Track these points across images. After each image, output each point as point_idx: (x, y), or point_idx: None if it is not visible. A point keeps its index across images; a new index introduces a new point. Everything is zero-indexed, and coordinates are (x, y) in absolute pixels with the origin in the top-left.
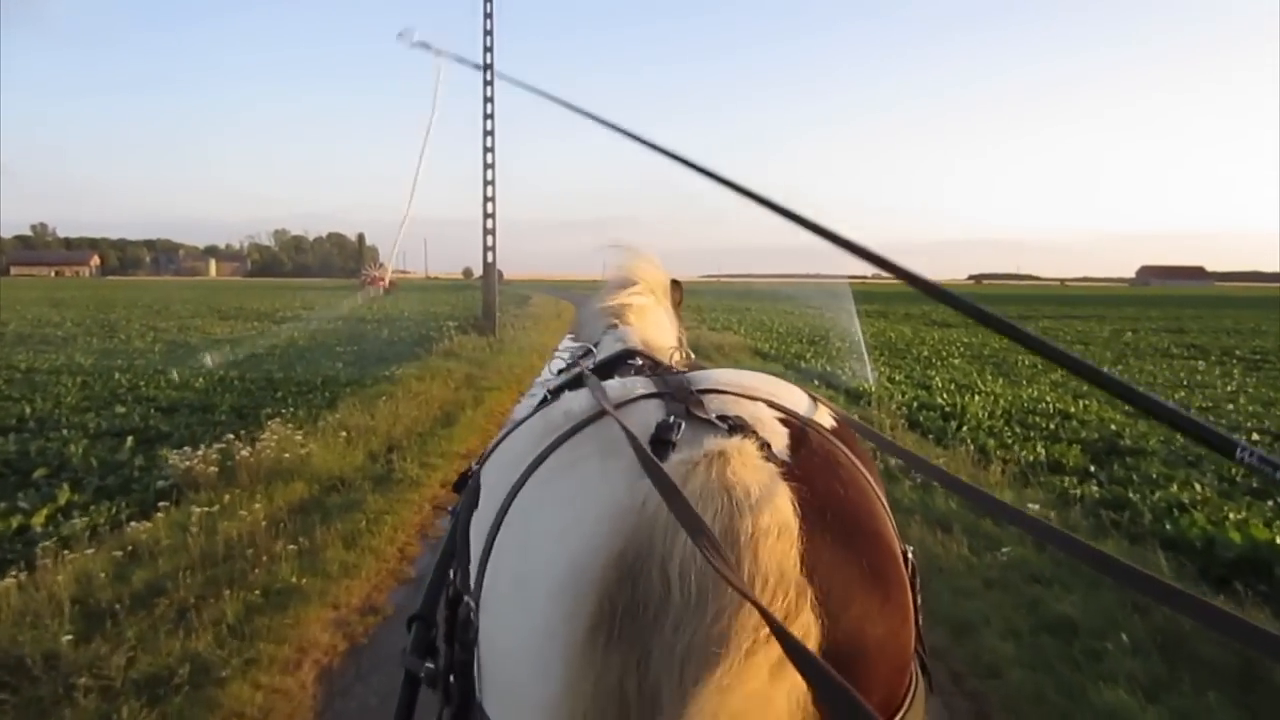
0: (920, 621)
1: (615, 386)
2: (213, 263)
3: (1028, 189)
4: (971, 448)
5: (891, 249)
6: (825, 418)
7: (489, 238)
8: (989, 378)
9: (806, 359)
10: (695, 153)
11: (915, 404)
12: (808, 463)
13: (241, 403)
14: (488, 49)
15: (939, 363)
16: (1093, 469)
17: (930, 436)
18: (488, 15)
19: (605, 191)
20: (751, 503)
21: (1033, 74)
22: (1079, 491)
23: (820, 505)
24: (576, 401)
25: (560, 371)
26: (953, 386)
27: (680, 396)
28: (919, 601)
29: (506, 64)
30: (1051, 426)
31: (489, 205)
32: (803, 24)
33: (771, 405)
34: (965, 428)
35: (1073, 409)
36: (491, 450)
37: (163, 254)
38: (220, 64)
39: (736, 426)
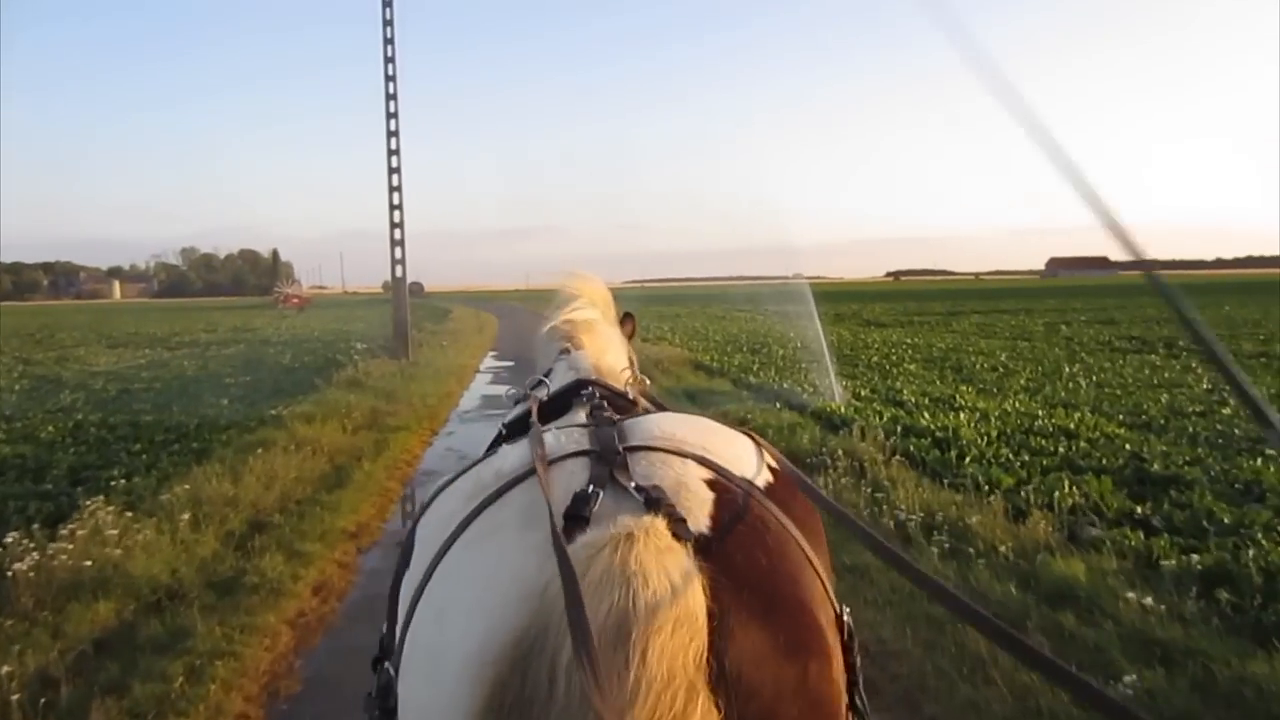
0: (860, 683)
1: (550, 440)
2: (116, 284)
3: (939, 187)
4: (997, 494)
5: (810, 249)
6: (762, 472)
7: (398, 249)
8: (960, 387)
9: (754, 372)
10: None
11: (898, 428)
12: (730, 533)
13: (86, 461)
14: (389, 58)
15: (894, 370)
16: (1141, 510)
17: (942, 481)
18: (389, 44)
19: (527, 199)
20: (649, 594)
21: (937, 70)
22: (1159, 552)
23: (738, 581)
24: (509, 458)
25: (517, 402)
26: (926, 401)
27: (607, 457)
28: (857, 662)
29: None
30: (1060, 450)
31: (395, 214)
32: (705, 23)
33: (702, 462)
34: (968, 458)
35: (1072, 424)
36: (426, 505)
37: (62, 277)
38: (120, 76)
39: (653, 500)
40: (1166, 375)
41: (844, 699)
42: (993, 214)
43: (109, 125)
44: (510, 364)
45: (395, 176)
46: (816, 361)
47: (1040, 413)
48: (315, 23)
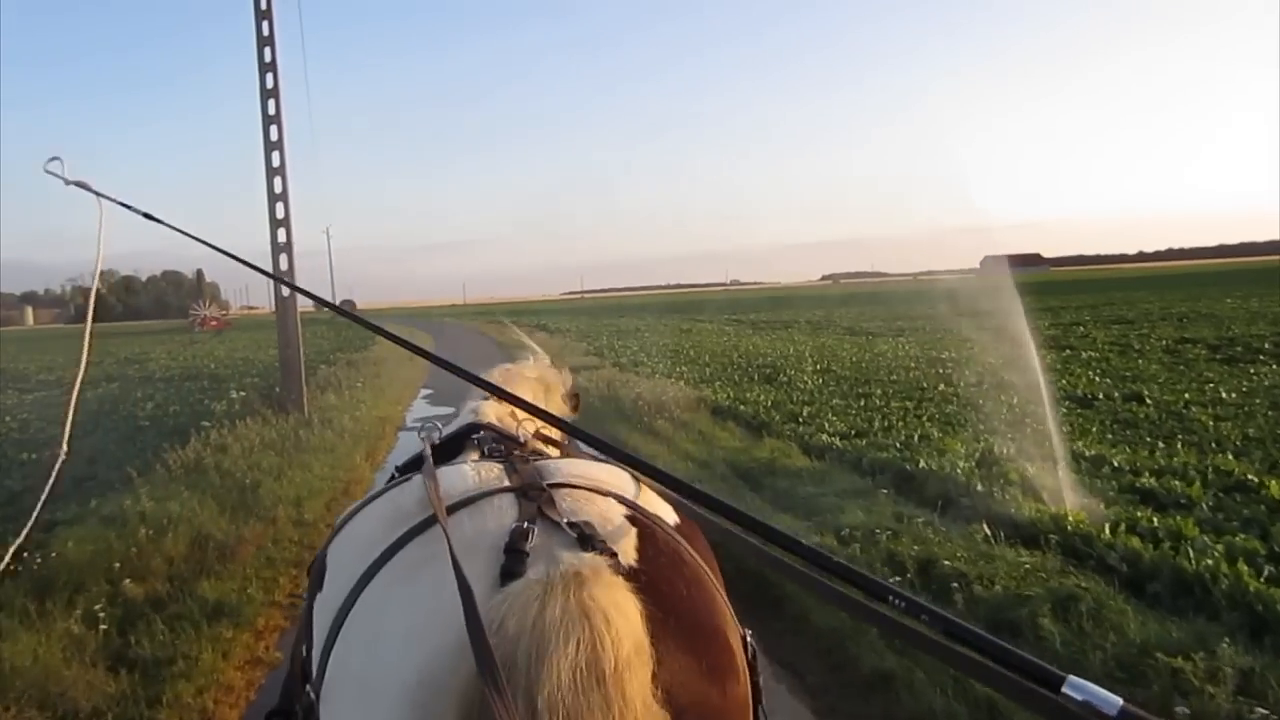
0: (763, 700)
1: (470, 476)
2: (29, 310)
3: (870, 190)
4: None
5: (746, 254)
6: (668, 511)
7: (281, 256)
8: (1163, 445)
9: (803, 419)
10: None
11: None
12: (654, 565)
13: None
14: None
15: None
16: None
17: None
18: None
19: (466, 213)
20: (613, 632)
21: (869, 84)
22: None
23: (665, 609)
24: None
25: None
26: (1174, 484)
27: (532, 494)
28: (759, 681)
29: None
30: None
31: (279, 207)
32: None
33: (620, 500)
34: None
35: None
36: (339, 528)
37: None
38: (21, 89)
39: (587, 536)
40: None
41: (751, 715)
42: (925, 214)
43: (17, 146)
44: (450, 411)
45: (276, 154)
46: (1032, 418)
47: None
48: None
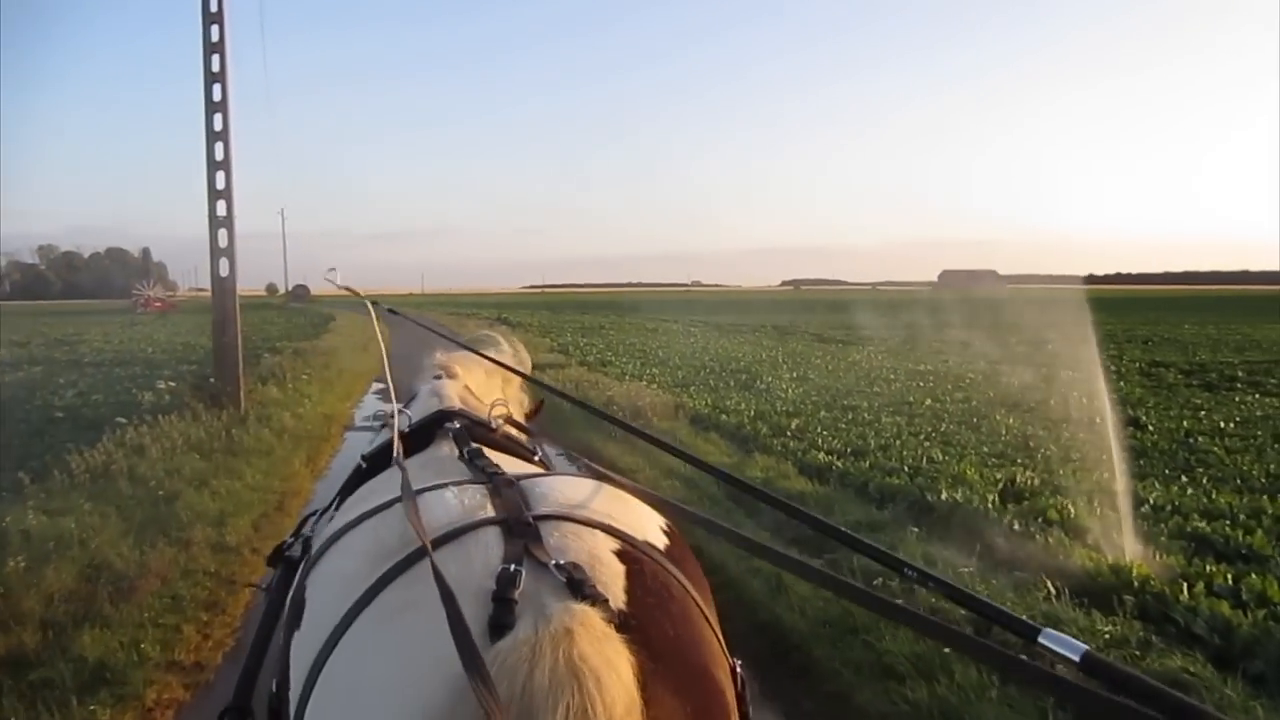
0: None
1: (452, 503)
2: None
3: (833, 199)
4: None
5: (708, 256)
6: (659, 535)
7: (220, 232)
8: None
9: (791, 431)
10: None
11: None
12: (643, 607)
13: None
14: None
15: (1029, 440)
16: None
17: None
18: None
19: (421, 201)
20: (605, 695)
21: (843, 94)
22: None
23: (653, 655)
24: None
25: (383, 426)
26: (1244, 538)
27: (517, 529)
28: (749, 712)
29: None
30: None
31: (219, 177)
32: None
33: (609, 531)
34: None
35: None
36: (319, 557)
37: None
38: None
39: (575, 581)
40: None
41: None
42: (883, 227)
43: None
44: (402, 409)
45: (219, 117)
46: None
47: None
48: None
